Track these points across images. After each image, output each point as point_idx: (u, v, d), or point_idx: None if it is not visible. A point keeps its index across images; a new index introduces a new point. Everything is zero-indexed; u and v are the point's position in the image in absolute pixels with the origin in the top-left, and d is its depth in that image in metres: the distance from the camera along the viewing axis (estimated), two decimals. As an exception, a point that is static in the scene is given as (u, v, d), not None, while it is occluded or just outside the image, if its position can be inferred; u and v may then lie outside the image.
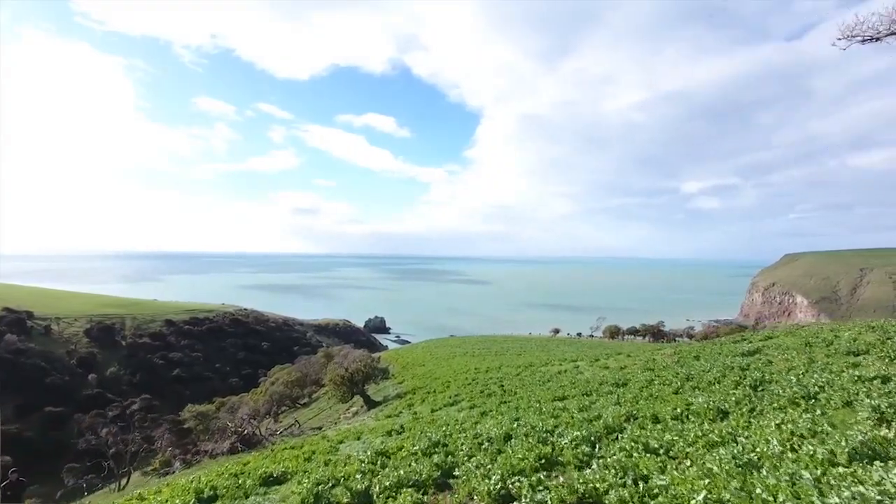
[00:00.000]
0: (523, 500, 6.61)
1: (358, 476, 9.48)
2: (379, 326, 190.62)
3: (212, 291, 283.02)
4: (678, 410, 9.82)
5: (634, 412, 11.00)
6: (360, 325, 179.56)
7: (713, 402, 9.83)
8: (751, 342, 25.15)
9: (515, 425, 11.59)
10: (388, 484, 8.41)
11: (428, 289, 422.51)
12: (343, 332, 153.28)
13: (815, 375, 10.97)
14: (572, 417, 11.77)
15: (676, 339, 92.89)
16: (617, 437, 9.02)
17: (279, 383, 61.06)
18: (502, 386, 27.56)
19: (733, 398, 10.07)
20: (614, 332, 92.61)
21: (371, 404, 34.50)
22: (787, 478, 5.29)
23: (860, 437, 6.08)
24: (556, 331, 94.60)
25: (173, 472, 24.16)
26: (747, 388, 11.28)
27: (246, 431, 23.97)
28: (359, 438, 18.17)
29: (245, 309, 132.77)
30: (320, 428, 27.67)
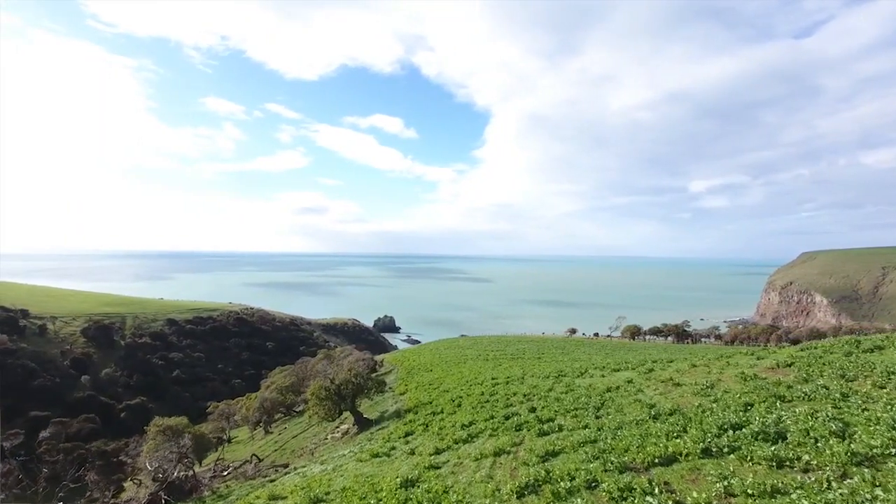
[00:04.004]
0: None
1: None
2: (388, 326, 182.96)
3: (220, 289, 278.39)
4: None
5: None
6: (370, 324, 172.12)
7: None
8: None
9: None
10: None
11: (432, 287, 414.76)
12: (351, 332, 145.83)
13: None
14: None
15: (702, 339, 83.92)
16: None
17: (272, 389, 53.55)
18: (533, 409, 19.52)
19: None
20: (635, 332, 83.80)
21: (363, 424, 26.66)
22: None
23: None
24: (573, 330, 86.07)
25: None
26: None
27: (173, 477, 16.49)
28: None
29: (251, 308, 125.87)
30: (286, 465, 19.98)
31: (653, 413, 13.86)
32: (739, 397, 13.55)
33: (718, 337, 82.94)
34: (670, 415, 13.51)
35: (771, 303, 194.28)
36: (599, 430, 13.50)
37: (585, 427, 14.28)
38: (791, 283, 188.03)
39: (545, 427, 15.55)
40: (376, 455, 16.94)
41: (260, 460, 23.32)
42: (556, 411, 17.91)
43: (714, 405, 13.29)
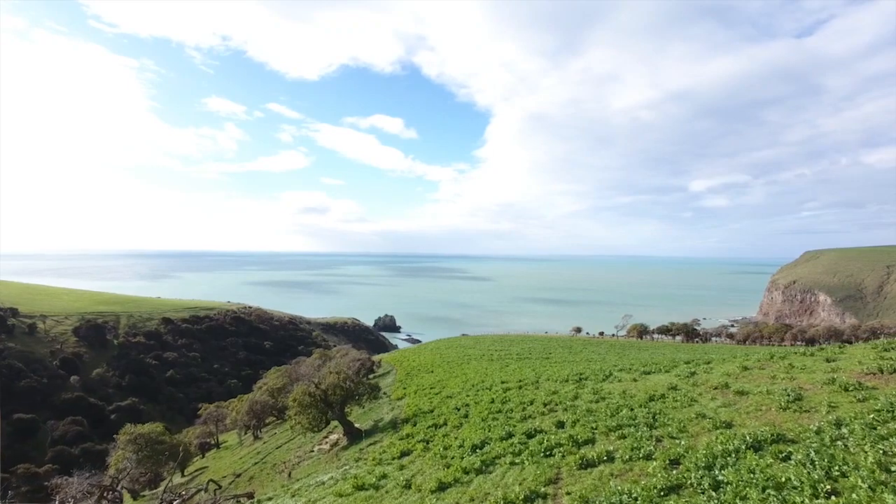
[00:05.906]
0: None
1: None
2: (389, 325, 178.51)
3: (220, 288, 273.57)
4: None
5: None
6: (370, 323, 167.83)
7: None
8: None
9: None
10: None
11: (434, 285, 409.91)
12: (351, 331, 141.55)
13: None
14: None
15: (713, 338, 79.49)
16: None
17: (262, 391, 49.35)
18: (561, 424, 15.27)
19: None
20: (642, 331, 79.35)
21: (353, 435, 22.43)
22: None
23: None
24: (578, 329, 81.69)
25: None
26: None
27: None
28: None
29: (248, 307, 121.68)
30: (250, 495, 15.79)
31: (747, 439, 9.57)
32: (875, 419, 9.29)
33: (730, 336, 78.53)
34: (775, 443, 9.26)
35: (774, 302, 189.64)
36: (674, 463, 9.26)
37: (649, 457, 10.02)
38: (794, 282, 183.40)
39: (586, 453, 11.29)
40: (361, 487, 12.69)
41: (219, 487, 19.16)
42: (593, 429, 13.64)
43: (843, 431, 9.01)
